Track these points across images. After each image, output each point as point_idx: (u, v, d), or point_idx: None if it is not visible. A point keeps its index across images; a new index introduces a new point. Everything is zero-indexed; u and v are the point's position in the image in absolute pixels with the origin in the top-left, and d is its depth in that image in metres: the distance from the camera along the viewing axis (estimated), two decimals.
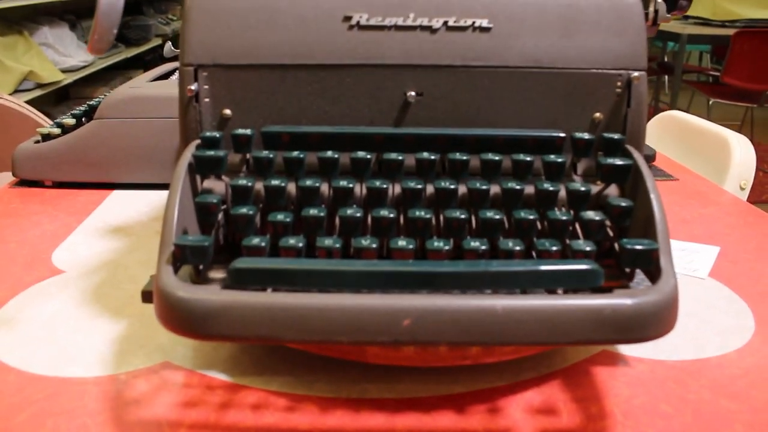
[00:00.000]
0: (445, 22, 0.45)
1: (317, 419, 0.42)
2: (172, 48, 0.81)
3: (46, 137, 0.82)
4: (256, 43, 0.45)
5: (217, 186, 0.45)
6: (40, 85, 2.15)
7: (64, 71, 2.33)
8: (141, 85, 0.85)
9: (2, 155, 1.11)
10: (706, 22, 3.20)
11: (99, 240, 0.69)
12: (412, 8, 0.45)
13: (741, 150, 0.97)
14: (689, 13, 3.17)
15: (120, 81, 2.74)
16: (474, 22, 0.45)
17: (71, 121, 0.82)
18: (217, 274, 0.44)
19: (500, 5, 0.45)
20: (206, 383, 0.45)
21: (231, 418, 0.42)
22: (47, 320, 0.53)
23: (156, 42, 3.20)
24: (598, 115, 0.47)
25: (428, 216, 0.40)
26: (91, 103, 0.89)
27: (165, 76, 0.94)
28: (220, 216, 0.44)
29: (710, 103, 3.05)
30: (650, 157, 0.98)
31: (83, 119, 0.84)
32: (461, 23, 0.45)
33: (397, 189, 0.44)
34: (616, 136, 0.46)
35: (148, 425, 0.41)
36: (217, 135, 0.45)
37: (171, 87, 0.83)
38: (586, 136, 0.45)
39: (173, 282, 0.37)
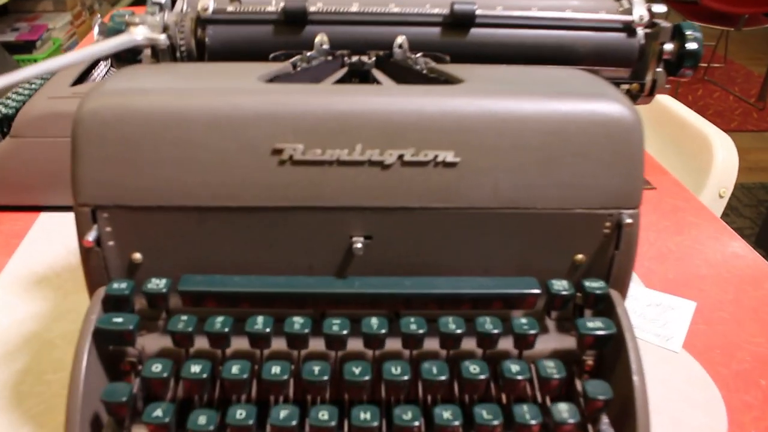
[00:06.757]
0: (401, 156, 0.36)
1: None
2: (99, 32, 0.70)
3: None
4: (166, 181, 0.36)
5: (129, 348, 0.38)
6: None
7: None
8: (62, 93, 0.73)
9: None
10: None
11: (22, 299, 0.62)
12: (358, 139, 0.36)
13: (723, 153, 0.90)
14: None
15: None
16: (436, 156, 0.36)
17: None
18: None
19: (469, 135, 0.36)
20: None
21: None
22: None
23: None
24: (580, 257, 0.39)
25: (375, 425, 0.34)
26: (5, 111, 0.77)
27: (90, 68, 0.82)
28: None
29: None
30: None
31: None
32: (421, 157, 0.36)
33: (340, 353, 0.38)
34: (599, 288, 0.39)
35: None
36: (126, 289, 0.37)
37: None
38: (564, 291, 0.38)
39: None
